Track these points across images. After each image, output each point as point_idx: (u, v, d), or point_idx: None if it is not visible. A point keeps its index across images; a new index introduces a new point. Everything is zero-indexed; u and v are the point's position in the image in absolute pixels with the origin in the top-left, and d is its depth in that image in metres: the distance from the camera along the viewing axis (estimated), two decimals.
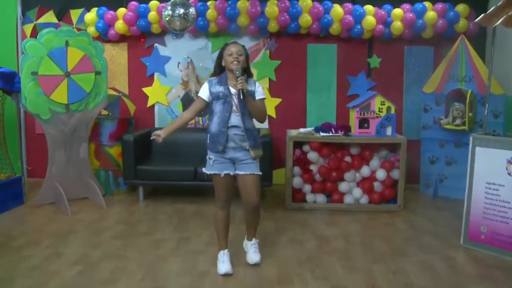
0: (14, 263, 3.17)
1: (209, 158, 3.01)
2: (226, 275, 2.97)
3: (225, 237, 3.10)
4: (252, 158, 2.98)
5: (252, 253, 3.17)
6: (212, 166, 2.99)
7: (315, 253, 3.39)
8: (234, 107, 2.92)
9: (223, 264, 3.01)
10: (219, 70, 3.03)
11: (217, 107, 2.95)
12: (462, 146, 4.80)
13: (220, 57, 2.99)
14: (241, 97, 2.86)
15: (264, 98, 3.05)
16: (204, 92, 3.00)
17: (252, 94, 2.97)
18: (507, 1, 3.34)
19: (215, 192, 3.05)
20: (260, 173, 3.04)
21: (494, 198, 3.38)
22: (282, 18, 5.06)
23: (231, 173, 2.99)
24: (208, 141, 3.01)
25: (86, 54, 4.52)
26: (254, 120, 3.03)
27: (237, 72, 2.85)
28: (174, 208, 4.57)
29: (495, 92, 4.57)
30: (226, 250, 3.08)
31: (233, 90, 2.93)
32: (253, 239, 3.22)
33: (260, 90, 3.03)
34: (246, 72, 2.98)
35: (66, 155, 4.61)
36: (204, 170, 3.07)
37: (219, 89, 2.95)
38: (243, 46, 3.00)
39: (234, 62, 2.88)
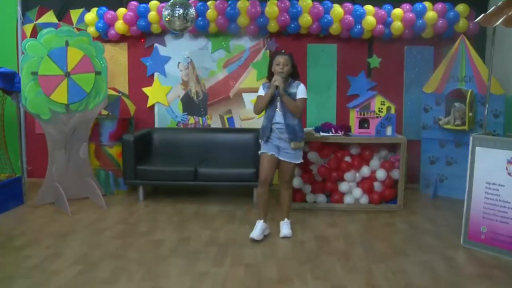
0: (14, 263, 3.17)
1: (261, 142, 3.70)
2: (252, 240, 3.56)
3: (263, 210, 3.66)
4: (292, 149, 3.60)
5: (284, 228, 3.74)
6: (262, 147, 3.67)
7: (315, 253, 3.39)
8: (278, 107, 3.58)
9: (254, 231, 3.60)
10: (270, 75, 3.64)
11: (268, 105, 3.61)
12: (462, 146, 4.80)
13: (270, 65, 3.63)
14: (276, 93, 3.50)
15: (303, 98, 3.62)
16: (261, 93, 3.67)
17: (293, 95, 3.58)
18: (507, 1, 3.34)
19: (259, 172, 3.68)
20: (298, 161, 3.69)
21: (494, 198, 3.38)
22: (282, 18, 5.06)
23: (276, 155, 3.61)
24: (260, 131, 3.71)
25: (86, 54, 4.52)
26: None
27: (273, 89, 3.51)
28: (174, 208, 4.57)
29: (495, 92, 4.57)
30: (262, 221, 3.64)
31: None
32: (286, 219, 3.78)
33: (300, 90, 3.60)
34: (293, 76, 3.63)
35: (66, 155, 4.61)
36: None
37: (268, 92, 3.58)
38: (290, 55, 3.59)
39: (279, 72, 3.52)
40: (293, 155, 3.64)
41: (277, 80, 3.49)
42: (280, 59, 3.55)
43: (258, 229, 3.62)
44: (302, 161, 3.75)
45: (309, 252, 3.41)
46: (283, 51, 3.67)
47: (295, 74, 3.65)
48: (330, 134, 4.48)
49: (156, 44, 5.44)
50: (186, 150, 5.14)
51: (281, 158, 3.64)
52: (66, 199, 4.36)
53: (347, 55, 5.37)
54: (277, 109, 3.59)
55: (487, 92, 3.79)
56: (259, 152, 3.72)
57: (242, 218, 4.24)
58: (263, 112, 3.70)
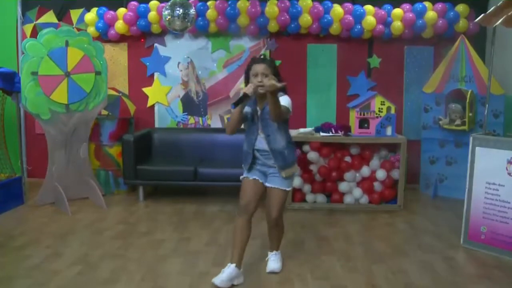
0: (14, 263, 3.17)
1: (243, 166, 2.99)
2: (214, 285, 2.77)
3: (238, 249, 2.81)
4: (283, 178, 2.87)
5: (271, 261, 3.09)
6: (244, 173, 2.96)
7: (315, 253, 3.39)
8: (259, 130, 2.84)
9: (219, 275, 2.77)
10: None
11: (247, 127, 2.92)
12: (462, 146, 4.80)
13: (247, 75, 2.84)
14: (241, 100, 2.69)
15: (286, 107, 2.79)
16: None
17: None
18: (507, 1, 3.34)
19: (240, 197, 2.91)
20: (288, 188, 2.93)
21: (494, 198, 3.38)
22: (282, 18, 5.06)
23: (260, 180, 2.90)
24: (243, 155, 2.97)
25: (86, 54, 4.52)
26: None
27: (250, 88, 2.67)
28: (174, 208, 4.57)
29: (495, 92, 4.57)
30: (233, 265, 2.79)
31: (259, 110, 2.84)
32: (274, 250, 3.12)
33: (283, 100, 2.79)
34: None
35: (66, 155, 4.61)
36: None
37: (248, 109, 2.85)
38: (270, 61, 2.83)
39: (259, 87, 2.66)
40: (282, 179, 2.88)
41: (248, 87, 2.68)
42: (257, 68, 2.74)
43: (224, 274, 2.75)
44: (290, 188, 2.97)
45: (309, 252, 3.41)
46: (261, 56, 2.93)
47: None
48: (330, 134, 4.48)
49: (156, 44, 5.44)
50: (186, 150, 5.14)
51: (267, 184, 2.90)
52: (66, 199, 4.36)
53: (347, 55, 5.37)
54: (259, 133, 2.85)
55: (487, 92, 3.79)
56: (241, 177, 2.98)
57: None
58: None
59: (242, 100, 2.68)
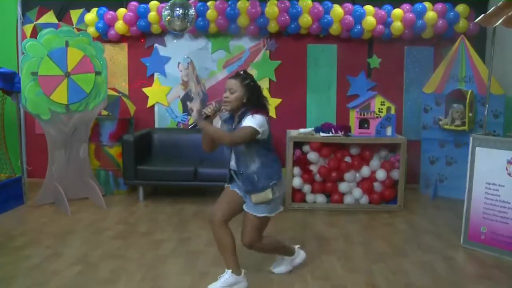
0: (14, 263, 3.17)
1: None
2: None
3: (229, 254, 2.77)
4: (253, 204, 2.66)
5: (276, 261, 3.07)
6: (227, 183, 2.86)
7: (315, 253, 3.39)
8: (232, 150, 2.68)
9: (214, 283, 2.77)
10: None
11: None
12: (462, 146, 4.80)
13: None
14: (199, 120, 2.61)
15: (246, 126, 2.53)
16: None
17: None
18: (507, 1, 3.34)
19: None
20: (261, 215, 2.68)
21: (494, 198, 3.38)
22: (282, 18, 5.06)
23: (240, 193, 2.76)
24: None
25: (86, 54, 4.53)
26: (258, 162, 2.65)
27: (210, 108, 2.60)
28: (174, 208, 4.57)
29: (495, 92, 4.57)
30: (229, 271, 2.76)
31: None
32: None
33: (247, 119, 2.55)
34: (247, 105, 2.61)
35: (66, 155, 4.61)
36: None
37: (224, 127, 2.74)
38: (243, 78, 2.61)
39: (225, 104, 2.60)
40: (255, 205, 2.67)
41: (208, 107, 2.60)
42: (227, 84, 2.61)
43: (220, 282, 2.73)
44: (266, 215, 2.69)
45: (309, 252, 3.41)
46: (240, 72, 2.68)
47: (250, 103, 2.61)
48: (330, 134, 4.48)
49: (156, 45, 5.44)
50: (186, 150, 5.14)
51: (243, 207, 2.74)
52: (66, 199, 4.36)
53: (347, 55, 5.37)
54: (231, 152, 2.70)
55: (487, 92, 3.79)
56: (225, 185, 2.88)
57: (241, 218, 4.23)
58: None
59: (200, 120, 2.60)
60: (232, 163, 2.71)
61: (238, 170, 2.66)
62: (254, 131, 2.54)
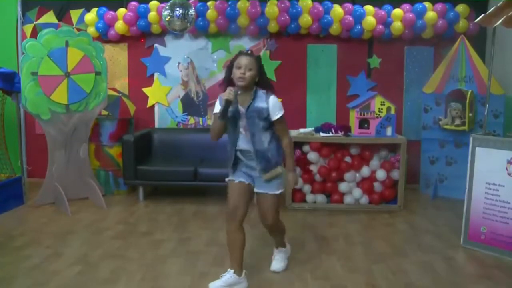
0: (14, 263, 3.17)
1: (228, 168, 2.85)
2: None
3: (234, 255, 2.76)
4: (265, 181, 2.73)
5: (275, 261, 3.10)
6: (230, 174, 2.83)
7: (315, 253, 3.39)
8: (241, 129, 2.70)
9: (216, 282, 2.77)
10: (228, 83, 2.70)
11: (228, 126, 2.73)
12: (462, 146, 4.80)
13: (230, 68, 2.68)
14: (236, 110, 2.66)
15: (281, 115, 2.69)
16: (217, 110, 2.74)
17: (262, 111, 2.65)
18: (507, 1, 3.34)
19: (227, 203, 2.80)
20: (278, 191, 2.77)
21: (494, 198, 3.38)
22: (282, 18, 5.06)
23: (246, 182, 2.76)
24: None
25: (86, 54, 4.53)
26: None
27: (231, 94, 2.59)
28: (174, 208, 4.58)
29: (495, 92, 4.57)
30: (232, 271, 2.76)
31: (242, 109, 2.67)
32: (279, 247, 3.11)
33: (273, 105, 2.66)
34: (260, 85, 2.71)
35: (66, 155, 4.61)
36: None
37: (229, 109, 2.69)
38: (257, 57, 2.68)
39: (239, 77, 2.60)
40: (270, 184, 2.75)
41: (227, 93, 2.58)
42: (243, 60, 2.61)
43: (221, 281, 2.74)
44: (282, 190, 2.81)
45: (309, 252, 3.42)
46: (248, 51, 2.74)
47: (263, 82, 2.72)
48: (330, 134, 4.48)
49: (156, 45, 5.44)
50: (186, 150, 5.14)
51: (256, 190, 2.79)
52: (66, 199, 4.36)
53: (347, 55, 5.37)
54: (241, 131, 2.71)
55: (487, 92, 3.79)
56: (226, 179, 2.84)
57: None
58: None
59: (227, 108, 2.60)
60: (242, 143, 2.72)
61: (254, 148, 2.69)
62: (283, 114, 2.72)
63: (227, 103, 2.58)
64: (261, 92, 2.68)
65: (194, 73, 5.47)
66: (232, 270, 2.76)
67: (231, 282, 2.76)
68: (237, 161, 2.78)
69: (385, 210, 4.50)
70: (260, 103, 2.66)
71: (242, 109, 2.68)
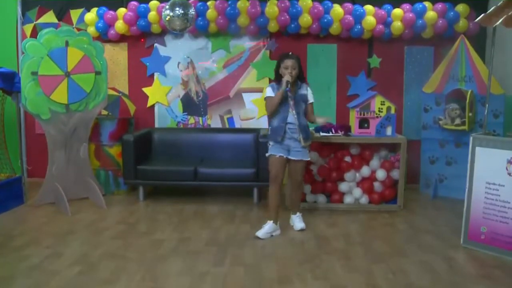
0: (14, 263, 3.17)
1: (269, 144, 3.77)
2: (256, 238, 3.63)
3: (274, 210, 3.71)
4: (302, 147, 3.71)
5: (298, 222, 3.89)
6: (271, 150, 3.73)
7: (315, 253, 3.39)
8: (290, 108, 3.66)
9: (261, 230, 3.67)
10: (278, 77, 3.73)
11: (279, 108, 3.67)
12: (462, 146, 4.80)
13: (278, 67, 3.70)
14: (287, 87, 3.58)
15: (312, 102, 3.82)
16: (271, 93, 3.70)
17: (304, 97, 3.73)
18: (507, 1, 3.34)
19: (269, 171, 3.74)
20: (309, 158, 3.84)
21: (494, 198, 3.38)
22: (282, 18, 5.06)
23: (284, 156, 3.69)
24: (269, 132, 3.77)
25: (86, 54, 4.53)
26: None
27: (284, 85, 3.58)
28: (174, 208, 4.57)
29: (495, 92, 4.57)
30: (271, 221, 3.70)
31: (291, 95, 3.65)
32: (297, 212, 3.93)
33: (311, 93, 3.80)
34: (300, 78, 3.72)
35: (66, 155, 4.61)
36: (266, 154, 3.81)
37: (275, 92, 3.69)
38: (297, 58, 3.67)
39: (288, 75, 3.60)
40: (303, 152, 3.75)
41: (287, 77, 3.58)
42: (288, 62, 3.62)
43: (265, 229, 3.68)
44: (309, 158, 3.88)
45: (309, 252, 3.41)
46: (290, 53, 3.69)
47: (301, 76, 3.74)
48: (330, 134, 4.48)
49: (156, 44, 5.44)
50: (186, 150, 5.14)
51: (291, 157, 3.73)
52: (66, 199, 4.36)
53: (347, 55, 5.37)
54: (290, 110, 3.66)
55: (487, 92, 3.79)
56: (267, 154, 3.76)
57: (242, 218, 4.24)
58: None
59: (288, 86, 3.59)
60: (290, 119, 3.67)
61: (299, 122, 3.67)
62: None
63: (286, 84, 3.58)
64: (301, 83, 3.75)
65: (194, 73, 5.48)
66: (271, 221, 3.70)
67: (273, 230, 3.71)
68: (284, 135, 3.67)
69: (385, 210, 4.50)
70: (303, 91, 3.76)
71: (290, 94, 3.66)
